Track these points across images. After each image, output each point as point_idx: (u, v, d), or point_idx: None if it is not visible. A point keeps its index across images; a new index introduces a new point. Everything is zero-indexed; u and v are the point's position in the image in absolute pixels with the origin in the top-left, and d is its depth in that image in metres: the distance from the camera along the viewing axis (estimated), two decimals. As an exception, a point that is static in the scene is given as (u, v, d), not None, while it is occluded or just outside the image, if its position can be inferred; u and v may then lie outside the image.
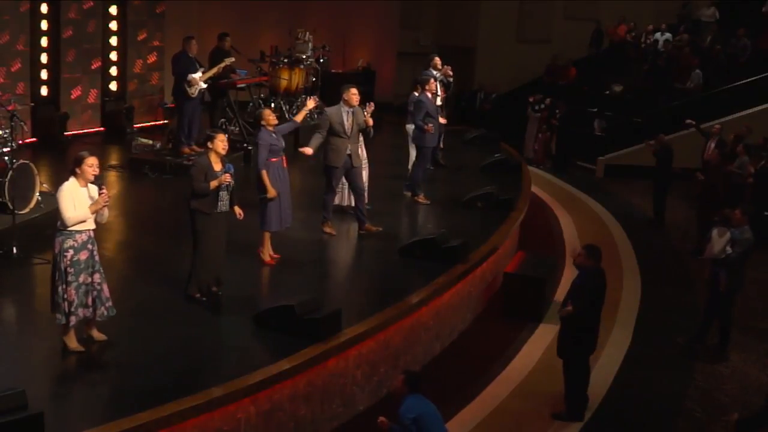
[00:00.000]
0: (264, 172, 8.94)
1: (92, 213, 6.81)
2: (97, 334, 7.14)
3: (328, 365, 7.32)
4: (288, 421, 6.99)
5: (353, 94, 9.95)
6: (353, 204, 10.64)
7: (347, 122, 9.95)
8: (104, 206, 6.91)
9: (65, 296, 6.81)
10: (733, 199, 14.36)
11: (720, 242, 9.42)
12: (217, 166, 7.94)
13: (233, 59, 13.71)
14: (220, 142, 7.98)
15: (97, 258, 7.01)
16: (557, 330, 9.75)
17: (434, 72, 13.58)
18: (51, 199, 10.16)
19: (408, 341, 8.51)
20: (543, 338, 9.68)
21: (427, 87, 12.04)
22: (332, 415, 7.50)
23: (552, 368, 8.32)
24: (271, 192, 8.97)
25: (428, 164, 12.53)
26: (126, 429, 5.78)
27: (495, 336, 9.79)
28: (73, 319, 6.87)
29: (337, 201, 10.89)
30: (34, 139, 13.89)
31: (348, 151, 10.02)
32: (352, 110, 10.01)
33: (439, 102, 12.92)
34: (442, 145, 15.39)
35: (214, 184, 7.86)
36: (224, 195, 8.01)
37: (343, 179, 10.43)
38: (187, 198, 7.99)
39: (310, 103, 9.88)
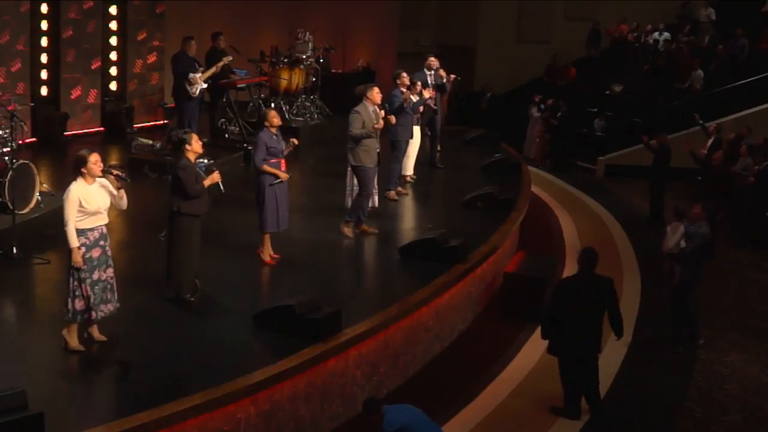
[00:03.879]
0: (265, 167, 8.94)
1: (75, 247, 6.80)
2: (97, 335, 7.15)
3: (328, 365, 7.32)
4: (288, 421, 6.99)
5: (377, 93, 10.18)
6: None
7: (375, 121, 10.10)
8: (122, 189, 7.03)
9: (80, 293, 6.86)
10: (735, 200, 14.45)
11: (674, 237, 9.59)
12: None
13: (231, 58, 13.70)
14: (197, 142, 7.99)
15: (109, 253, 7.07)
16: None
17: (426, 72, 13.50)
18: (51, 199, 10.19)
19: (408, 341, 8.51)
20: (543, 338, 9.68)
21: (398, 81, 11.96)
22: (332, 415, 7.50)
23: (552, 368, 8.32)
24: (283, 176, 8.98)
25: (402, 158, 12.44)
26: (126, 429, 5.78)
27: (495, 336, 9.79)
28: (93, 314, 6.93)
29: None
30: (34, 139, 13.88)
31: (377, 150, 10.14)
32: (374, 109, 10.18)
33: (424, 97, 12.81)
34: (439, 147, 15.39)
35: (207, 183, 7.88)
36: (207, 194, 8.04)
37: (355, 180, 10.50)
38: (177, 203, 7.91)
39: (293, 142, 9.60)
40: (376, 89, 10.25)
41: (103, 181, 6.97)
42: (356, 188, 10.81)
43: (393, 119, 10.83)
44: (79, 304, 6.88)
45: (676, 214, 9.79)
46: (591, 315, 7.80)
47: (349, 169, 10.87)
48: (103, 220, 6.98)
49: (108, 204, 7.00)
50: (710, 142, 15.92)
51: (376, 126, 10.20)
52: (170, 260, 8.06)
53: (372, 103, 10.19)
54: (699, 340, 9.82)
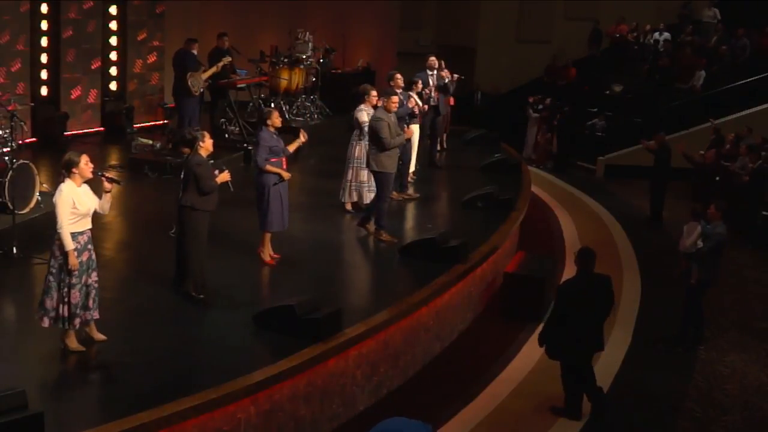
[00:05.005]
0: (268, 167, 8.94)
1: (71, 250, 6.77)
2: (96, 335, 7.14)
3: (328, 365, 7.32)
4: (288, 421, 6.99)
5: (395, 103, 10.15)
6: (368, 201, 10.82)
7: (398, 127, 10.13)
8: (108, 195, 7.02)
9: (68, 299, 6.81)
10: (734, 200, 14.47)
11: (691, 237, 9.60)
12: None
13: (230, 58, 13.69)
14: (209, 140, 8.08)
15: (94, 257, 7.04)
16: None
17: (428, 72, 13.49)
18: (51, 199, 10.14)
19: (408, 341, 8.51)
20: (543, 338, 9.68)
21: (392, 83, 11.85)
22: (332, 415, 7.50)
23: (552, 368, 8.32)
24: (285, 175, 9.01)
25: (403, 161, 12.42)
26: (126, 429, 5.78)
27: (495, 336, 9.79)
28: (77, 322, 6.89)
29: (356, 198, 11.07)
30: (34, 139, 13.87)
31: (398, 154, 10.17)
32: (393, 114, 10.19)
33: (433, 102, 12.84)
34: (439, 147, 15.45)
35: (219, 180, 7.97)
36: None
37: (370, 179, 10.55)
38: (190, 199, 7.95)
39: (303, 137, 9.53)
40: (394, 98, 10.21)
41: (86, 185, 6.95)
42: (352, 184, 10.89)
43: (411, 132, 10.87)
44: (66, 311, 6.83)
45: (694, 214, 9.78)
46: (592, 314, 7.81)
47: (350, 166, 10.91)
48: (89, 223, 6.95)
49: (95, 206, 6.97)
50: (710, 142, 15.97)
51: (408, 131, 10.27)
52: (183, 256, 8.07)
53: (389, 111, 10.14)
54: (701, 344, 9.81)
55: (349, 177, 11.00)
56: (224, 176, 8.06)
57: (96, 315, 7.07)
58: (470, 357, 9.22)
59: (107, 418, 5.94)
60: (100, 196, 7.03)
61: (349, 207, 11.17)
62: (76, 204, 6.77)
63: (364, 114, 10.70)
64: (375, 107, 10.75)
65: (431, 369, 8.85)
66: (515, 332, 9.83)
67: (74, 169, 6.82)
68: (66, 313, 6.82)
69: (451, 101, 15.25)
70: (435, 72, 13.65)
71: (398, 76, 12.04)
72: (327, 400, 7.41)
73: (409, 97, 11.87)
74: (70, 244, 6.74)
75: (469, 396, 8.28)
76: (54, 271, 6.83)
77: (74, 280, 6.80)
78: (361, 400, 7.85)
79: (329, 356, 7.26)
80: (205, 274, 8.18)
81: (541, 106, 19.96)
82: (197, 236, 8.01)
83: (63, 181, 6.85)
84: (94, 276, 7.01)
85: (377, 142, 9.97)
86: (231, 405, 6.42)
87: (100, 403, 6.43)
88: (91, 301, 6.96)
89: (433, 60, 13.76)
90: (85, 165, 6.85)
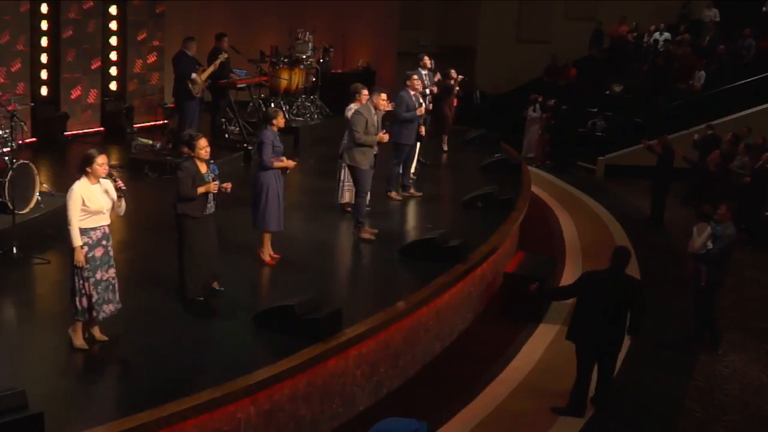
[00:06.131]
0: (277, 163, 8.95)
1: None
2: (99, 335, 7.15)
3: (328, 365, 7.32)
4: (288, 421, 6.99)
5: (383, 100, 10.15)
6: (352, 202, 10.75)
7: (377, 124, 10.09)
8: (122, 198, 7.07)
9: (84, 291, 6.89)
10: (734, 199, 14.47)
11: (700, 238, 9.57)
12: (203, 168, 7.90)
13: (226, 55, 13.67)
14: (201, 149, 7.88)
15: (111, 253, 7.09)
16: (557, 329, 9.79)
17: (421, 71, 13.49)
18: (51, 199, 10.19)
19: (408, 341, 8.51)
20: (543, 338, 9.68)
21: (408, 83, 11.88)
22: (332, 415, 7.50)
23: (552, 368, 8.33)
24: (290, 164, 9.05)
25: (406, 161, 12.28)
26: (126, 429, 5.78)
27: (495, 336, 9.79)
28: (95, 314, 6.97)
29: (347, 199, 11.05)
30: (34, 139, 13.87)
31: (375, 152, 10.16)
32: (378, 113, 10.17)
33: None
34: (446, 147, 15.46)
35: (201, 190, 7.80)
36: (211, 197, 7.95)
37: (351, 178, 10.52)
38: (173, 202, 7.91)
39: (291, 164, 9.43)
40: (383, 96, 10.18)
41: (107, 182, 7.00)
42: (345, 184, 10.94)
43: (386, 138, 10.64)
44: (85, 302, 6.92)
45: (703, 215, 9.75)
46: (611, 311, 7.77)
47: (342, 165, 10.91)
48: (105, 220, 7.01)
49: (110, 205, 7.03)
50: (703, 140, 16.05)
51: (381, 136, 10.22)
52: (178, 260, 8.08)
53: (375, 108, 10.14)
54: (719, 349, 9.75)
55: (342, 177, 11.01)
56: (209, 187, 7.82)
57: (119, 305, 7.17)
58: (470, 357, 9.22)
59: (107, 418, 5.95)
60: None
61: (347, 208, 11.16)
62: (86, 202, 6.83)
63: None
64: None
65: (431, 369, 8.84)
66: (515, 332, 9.83)
67: (88, 168, 6.87)
68: (86, 305, 6.90)
69: (455, 102, 15.28)
70: (428, 71, 13.66)
71: (415, 77, 12.02)
72: (327, 400, 7.41)
73: (420, 104, 11.88)
74: (76, 241, 6.81)
75: (469, 396, 8.28)
76: (72, 267, 6.94)
77: (87, 274, 6.88)
78: (361, 400, 7.85)
79: (329, 356, 7.26)
80: (204, 278, 8.10)
81: (537, 105, 19.96)
82: (185, 240, 7.93)
83: (79, 179, 6.89)
84: (111, 272, 7.09)
85: (351, 136, 10.03)
86: (231, 405, 6.42)
87: (100, 403, 6.43)
88: (110, 294, 7.07)
89: (426, 59, 13.77)
90: (99, 165, 6.91)
